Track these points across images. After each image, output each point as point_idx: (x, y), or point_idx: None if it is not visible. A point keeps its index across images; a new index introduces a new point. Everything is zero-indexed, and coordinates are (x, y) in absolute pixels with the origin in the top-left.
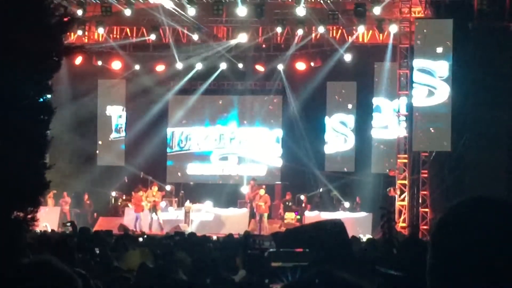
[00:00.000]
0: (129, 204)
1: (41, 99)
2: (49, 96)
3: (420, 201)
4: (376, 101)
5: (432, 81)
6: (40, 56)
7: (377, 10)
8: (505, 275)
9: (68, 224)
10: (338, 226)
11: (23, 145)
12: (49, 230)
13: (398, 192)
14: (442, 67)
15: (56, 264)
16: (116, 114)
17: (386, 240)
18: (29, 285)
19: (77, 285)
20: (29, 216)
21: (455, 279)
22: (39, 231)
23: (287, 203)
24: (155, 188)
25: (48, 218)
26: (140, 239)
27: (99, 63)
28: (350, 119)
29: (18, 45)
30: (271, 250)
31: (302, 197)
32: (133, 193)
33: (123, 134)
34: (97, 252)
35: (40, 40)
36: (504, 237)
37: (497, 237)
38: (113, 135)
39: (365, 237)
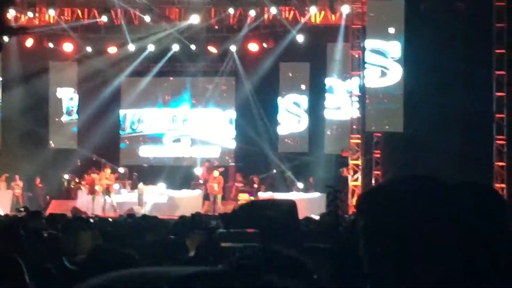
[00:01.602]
0: (82, 187)
1: None
2: None
3: (373, 181)
4: (329, 81)
5: (385, 62)
6: None
7: None
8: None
9: (22, 209)
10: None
11: None
12: (2, 214)
13: (352, 173)
14: (395, 48)
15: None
16: (68, 96)
17: (331, 219)
18: None
19: (18, 267)
20: None
21: (377, 246)
22: None
23: (239, 184)
24: (108, 171)
25: (0, 202)
26: (92, 221)
27: (50, 45)
28: (303, 100)
29: None
30: (220, 230)
31: (255, 178)
32: (85, 175)
33: (75, 116)
34: (45, 235)
35: None
36: (420, 211)
37: (413, 211)
38: (65, 118)
39: (317, 217)
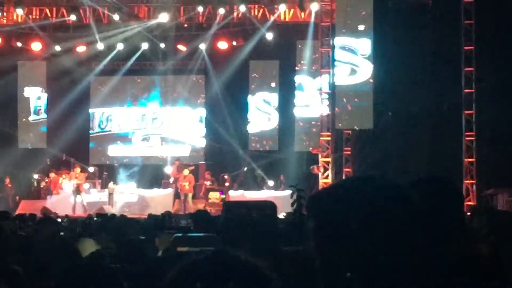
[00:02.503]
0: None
1: None
2: None
3: (343, 178)
4: (298, 79)
5: (354, 59)
6: None
7: None
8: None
9: None
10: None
11: None
12: None
13: (322, 170)
14: (364, 45)
15: None
16: (36, 95)
17: (294, 218)
18: None
19: None
20: None
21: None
22: None
23: (207, 182)
24: (77, 170)
25: None
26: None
27: (19, 44)
28: (273, 98)
29: None
30: (177, 234)
31: (226, 176)
32: (50, 175)
33: (43, 115)
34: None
35: None
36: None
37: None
38: (33, 117)
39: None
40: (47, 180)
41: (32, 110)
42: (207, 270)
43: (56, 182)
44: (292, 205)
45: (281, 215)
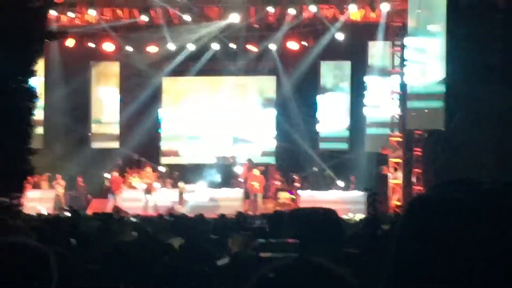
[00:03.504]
0: (123, 186)
1: (24, 85)
2: (32, 81)
3: (413, 179)
4: (369, 79)
5: (426, 59)
6: (21, 41)
7: None
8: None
9: (67, 208)
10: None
11: (6, 132)
12: (44, 213)
13: (392, 170)
14: (436, 45)
15: (28, 243)
16: (109, 96)
17: (369, 221)
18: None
19: (50, 263)
20: (14, 201)
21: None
22: (35, 214)
23: (277, 182)
24: (148, 170)
25: (42, 202)
26: (133, 220)
27: (91, 45)
28: (344, 98)
29: None
30: (260, 241)
31: (296, 176)
32: (112, 174)
33: (115, 116)
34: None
35: (20, 25)
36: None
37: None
38: (106, 117)
39: (356, 216)
40: (109, 179)
41: (105, 110)
42: (289, 277)
43: (118, 181)
44: (368, 208)
45: (350, 215)
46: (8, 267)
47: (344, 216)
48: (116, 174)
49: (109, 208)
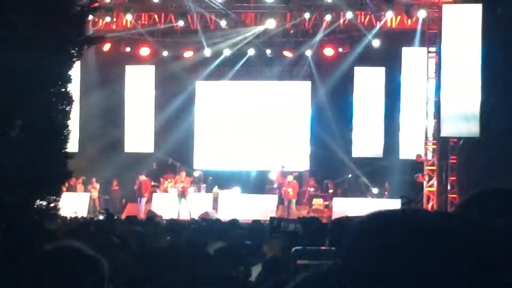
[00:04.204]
0: (157, 190)
1: (62, 89)
2: (69, 85)
3: (448, 187)
4: (404, 86)
5: (461, 67)
6: (60, 45)
7: None
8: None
9: (102, 211)
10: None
11: (44, 135)
12: (79, 216)
13: (427, 178)
14: (472, 53)
15: (80, 248)
16: (145, 100)
17: None
18: (52, 270)
19: (103, 268)
20: (52, 204)
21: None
22: (69, 217)
23: (311, 189)
24: (183, 174)
25: (77, 205)
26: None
27: (127, 49)
28: (378, 105)
29: (37, 34)
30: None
31: (330, 183)
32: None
33: (151, 120)
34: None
35: (60, 29)
36: None
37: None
38: (141, 122)
39: None
40: (157, 184)
41: (141, 114)
42: (324, 286)
43: (147, 185)
44: None
45: None
46: (62, 273)
47: None
48: (144, 177)
49: (139, 212)
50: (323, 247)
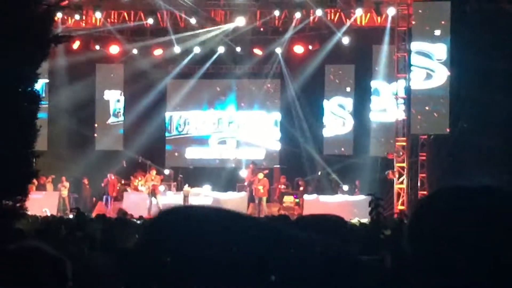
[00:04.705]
0: (128, 189)
1: (29, 88)
2: (36, 84)
3: (418, 184)
4: (374, 84)
5: (430, 64)
6: (26, 44)
7: None
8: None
9: (72, 210)
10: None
11: (9, 135)
12: (49, 215)
13: (397, 175)
14: (440, 50)
15: (42, 248)
16: (114, 98)
17: (373, 227)
18: (15, 269)
19: (65, 268)
20: (18, 204)
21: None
22: (39, 216)
23: (282, 186)
24: (153, 172)
25: (47, 203)
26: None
27: (97, 47)
28: (349, 102)
29: (1, 34)
30: None
31: (300, 180)
32: (131, 177)
33: (121, 118)
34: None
35: (26, 29)
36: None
37: (471, 226)
38: (111, 120)
39: (360, 221)
40: (127, 182)
41: (111, 112)
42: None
43: (114, 184)
44: (370, 213)
45: (355, 220)
46: (24, 272)
47: (350, 221)
48: (111, 176)
49: (107, 210)
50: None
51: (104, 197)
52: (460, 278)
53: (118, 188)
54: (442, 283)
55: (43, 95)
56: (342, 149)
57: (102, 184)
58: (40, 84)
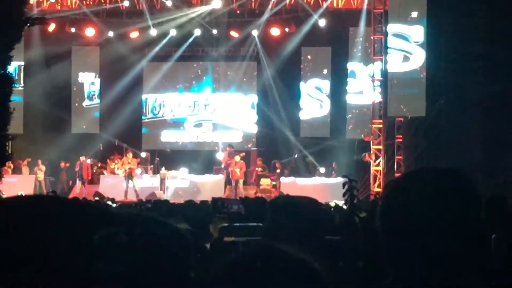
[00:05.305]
0: (104, 172)
1: (1, 71)
2: (10, 67)
3: (395, 166)
4: (351, 66)
5: (407, 46)
6: None
7: None
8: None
9: (49, 193)
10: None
11: None
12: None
13: (373, 157)
14: (417, 32)
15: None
16: (89, 81)
17: (347, 209)
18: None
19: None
20: None
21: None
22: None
23: (258, 169)
24: (130, 155)
25: (23, 187)
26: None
27: (73, 30)
28: (325, 85)
29: None
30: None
31: (277, 163)
32: (108, 160)
33: (96, 101)
34: None
35: None
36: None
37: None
38: (87, 102)
39: (336, 203)
40: (104, 165)
41: (86, 95)
42: (253, 265)
43: (87, 167)
44: (344, 195)
45: (333, 203)
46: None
47: (329, 203)
48: (84, 159)
49: (81, 193)
50: (250, 224)
51: (78, 180)
52: (424, 251)
53: (94, 171)
54: (409, 257)
55: (17, 78)
56: (319, 131)
57: (76, 168)
58: (14, 67)
